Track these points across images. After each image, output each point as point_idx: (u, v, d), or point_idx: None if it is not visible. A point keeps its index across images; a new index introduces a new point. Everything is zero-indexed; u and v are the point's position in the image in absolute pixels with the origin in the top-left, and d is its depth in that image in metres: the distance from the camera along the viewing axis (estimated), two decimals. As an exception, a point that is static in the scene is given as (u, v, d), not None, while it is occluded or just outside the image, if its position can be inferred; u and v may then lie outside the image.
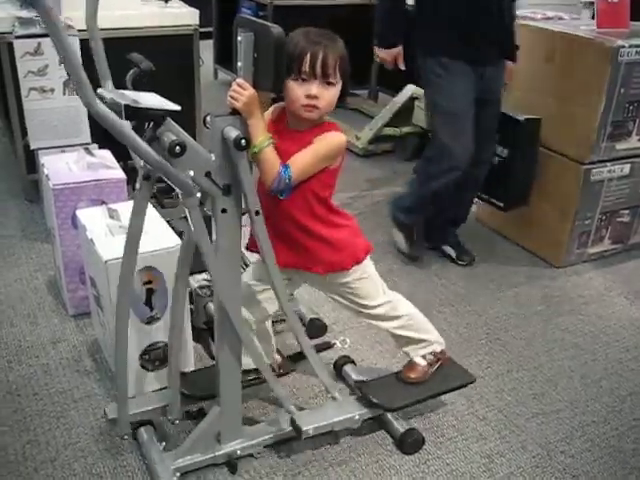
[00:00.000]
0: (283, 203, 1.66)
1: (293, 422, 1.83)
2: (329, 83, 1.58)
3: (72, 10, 2.50)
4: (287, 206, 1.67)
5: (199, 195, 1.46)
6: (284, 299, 1.72)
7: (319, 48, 1.55)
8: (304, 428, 1.81)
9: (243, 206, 1.57)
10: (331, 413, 1.89)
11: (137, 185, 1.56)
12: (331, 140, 1.64)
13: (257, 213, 1.55)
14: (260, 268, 1.89)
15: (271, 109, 1.72)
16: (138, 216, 1.58)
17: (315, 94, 1.57)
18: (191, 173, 1.42)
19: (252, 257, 1.95)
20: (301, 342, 1.82)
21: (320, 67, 1.55)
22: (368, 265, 1.86)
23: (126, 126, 1.30)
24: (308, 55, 1.55)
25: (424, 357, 2.00)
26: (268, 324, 2.03)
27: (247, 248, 1.81)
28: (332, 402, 1.94)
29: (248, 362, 2.01)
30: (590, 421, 2.13)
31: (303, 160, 1.60)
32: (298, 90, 1.58)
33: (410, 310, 1.98)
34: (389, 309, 1.92)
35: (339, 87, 1.61)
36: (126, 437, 1.83)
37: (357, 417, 1.90)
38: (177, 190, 1.45)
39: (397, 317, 1.94)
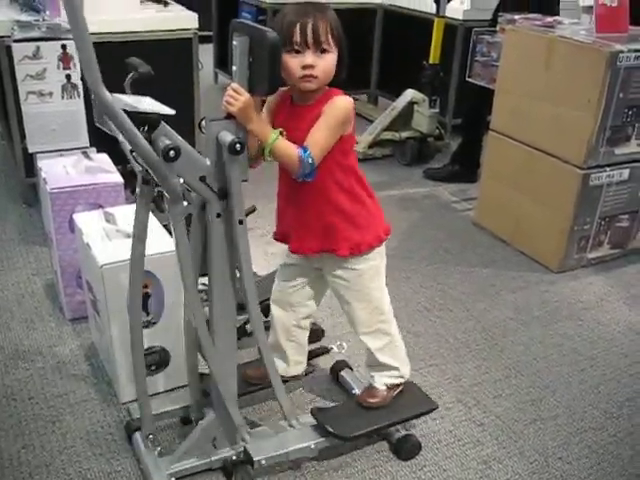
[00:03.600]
0: (309, 183, 1.65)
1: (245, 451, 1.77)
2: (323, 51, 1.57)
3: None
4: (313, 183, 1.65)
5: (185, 204, 1.45)
6: (254, 308, 1.69)
7: (308, 18, 1.54)
8: (255, 458, 1.75)
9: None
10: (286, 442, 1.82)
11: (137, 190, 1.55)
12: (337, 107, 1.62)
13: (241, 222, 1.53)
14: (288, 268, 1.91)
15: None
16: (141, 221, 1.58)
17: (310, 63, 1.56)
18: (181, 180, 1.41)
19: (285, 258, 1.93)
20: (265, 359, 1.76)
21: (311, 36, 1.54)
22: (382, 258, 1.84)
23: (128, 120, 1.29)
24: (298, 25, 1.54)
25: (385, 383, 1.95)
26: (304, 333, 2.01)
27: (274, 237, 1.86)
28: (289, 430, 1.86)
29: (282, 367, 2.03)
30: (588, 427, 2.12)
31: (319, 137, 1.59)
32: (293, 62, 1.56)
33: (395, 331, 1.93)
34: (385, 323, 1.89)
35: (335, 54, 1.59)
36: (151, 436, 1.80)
37: (313, 446, 1.83)
38: (165, 195, 1.44)
39: (385, 334, 1.90)
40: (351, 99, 1.66)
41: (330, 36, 1.57)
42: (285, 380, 2.05)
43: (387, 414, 1.92)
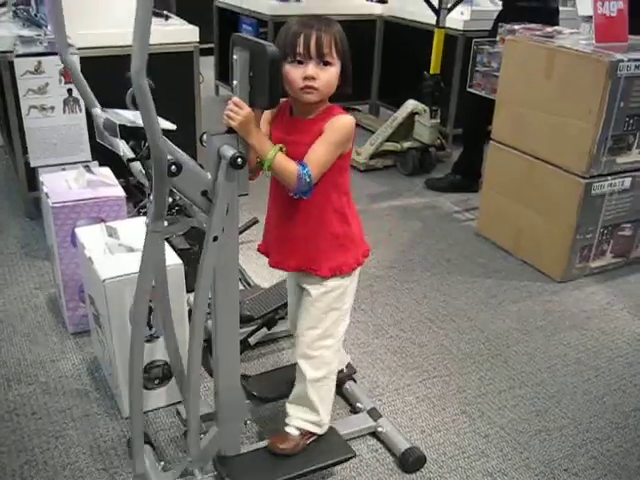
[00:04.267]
0: (301, 199, 1.65)
1: None
2: (326, 63, 1.56)
3: (71, 28, 2.51)
4: (307, 201, 1.65)
5: (166, 224, 1.45)
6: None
7: (312, 29, 1.54)
8: None
9: (240, 224, 1.56)
10: None
11: (147, 204, 1.55)
12: (340, 125, 1.60)
13: (215, 239, 1.49)
14: (288, 284, 1.94)
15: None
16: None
17: (312, 74, 1.55)
18: (170, 199, 1.41)
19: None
20: (191, 398, 1.66)
21: (314, 47, 1.54)
22: (353, 280, 1.80)
23: (156, 115, 1.28)
24: (301, 36, 1.54)
25: (299, 428, 1.84)
26: None
27: (257, 248, 1.86)
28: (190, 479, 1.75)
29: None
30: (594, 438, 2.11)
31: (318, 154, 1.58)
32: (295, 73, 1.56)
33: (335, 368, 1.85)
34: (329, 351, 1.80)
35: (338, 68, 1.59)
36: (202, 437, 1.77)
37: None
38: (149, 209, 1.43)
39: (325, 365, 1.80)
40: (353, 118, 1.65)
41: (334, 49, 1.56)
42: None
43: (297, 463, 1.79)
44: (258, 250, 1.85)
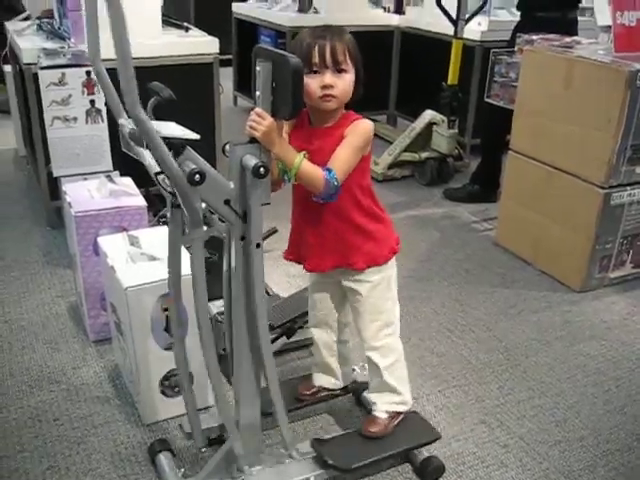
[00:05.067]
0: (328, 203, 1.69)
1: None
2: (341, 70, 1.62)
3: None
4: (334, 204, 1.70)
5: (205, 228, 1.48)
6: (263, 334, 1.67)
7: (325, 39, 1.60)
8: None
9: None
10: (285, 474, 1.80)
11: (168, 214, 1.58)
12: (361, 129, 1.67)
13: (258, 246, 1.54)
14: (315, 290, 1.96)
15: None
16: (174, 244, 1.60)
17: (330, 83, 1.60)
18: (203, 205, 1.44)
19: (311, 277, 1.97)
20: (271, 389, 1.73)
21: (330, 56, 1.59)
22: (393, 268, 1.86)
23: (161, 140, 1.32)
24: (316, 47, 1.59)
25: (387, 411, 1.93)
26: (345, 346, 2.05)
27: (284, 257, 1.89)
28: (289, 461, 1.83)
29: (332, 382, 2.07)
30: (614, 449, 2.09)
31: (343, 158, 1.63)
32: (313, 83, 1.60)
33: (401, 348, 1.93)
34: (393, 337, 1.89)
35: (353, 74, 1.64)
36: (203, 450, 1.83)
37: (312, 479, 1.80)
38: (185, 220, 1.46)
39: (393, 351, 1.90)
40: (371, 122, 1.71)
41: (347, 56, 1.62)
42: (337, 394, 2.11)
43: (388, 444, 1.89)
44: (286, 258, 1.89)
